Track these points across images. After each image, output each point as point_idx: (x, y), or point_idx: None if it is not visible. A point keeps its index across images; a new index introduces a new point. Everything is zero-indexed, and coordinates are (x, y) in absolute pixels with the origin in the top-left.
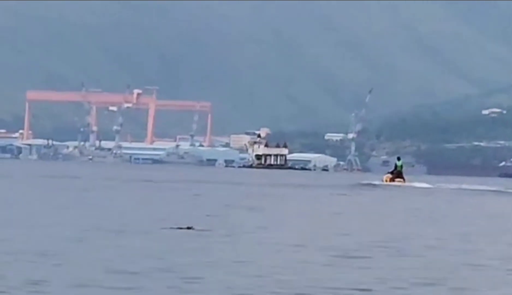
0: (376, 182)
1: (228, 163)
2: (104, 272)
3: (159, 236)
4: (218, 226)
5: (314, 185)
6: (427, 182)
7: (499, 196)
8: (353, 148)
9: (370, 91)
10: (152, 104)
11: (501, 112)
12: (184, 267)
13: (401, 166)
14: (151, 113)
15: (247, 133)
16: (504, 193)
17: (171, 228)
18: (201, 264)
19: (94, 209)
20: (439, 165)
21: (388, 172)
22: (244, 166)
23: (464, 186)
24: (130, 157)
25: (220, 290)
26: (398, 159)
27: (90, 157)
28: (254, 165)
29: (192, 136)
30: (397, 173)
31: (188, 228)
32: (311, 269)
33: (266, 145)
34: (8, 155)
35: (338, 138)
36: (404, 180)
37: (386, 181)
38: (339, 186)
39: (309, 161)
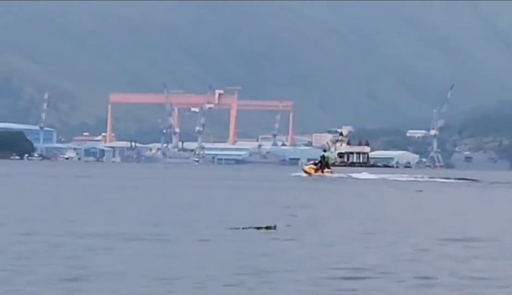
0: (304, 175)
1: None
2: None
3: None
4: None
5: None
6: (370, 173)
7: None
8: (435, 144)
9: (451, 87)
10: (234, 104)
11: None
12: None
13: (328, 158)
14: (233, 113)
15: (329, 132)
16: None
17: None
18: None
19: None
20: None
21: (312, 163)
22: None
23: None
24: (213, 157)
25: None
26: (325, 151)
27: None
28: (336, 163)
29: (274, 135)
30: (325, 164)
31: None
32: None
33: (348, 143)
34: (91, 158)
35: (420, 135)
36: (331, 171)
37: (309, 171)
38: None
39: (392, 158)
